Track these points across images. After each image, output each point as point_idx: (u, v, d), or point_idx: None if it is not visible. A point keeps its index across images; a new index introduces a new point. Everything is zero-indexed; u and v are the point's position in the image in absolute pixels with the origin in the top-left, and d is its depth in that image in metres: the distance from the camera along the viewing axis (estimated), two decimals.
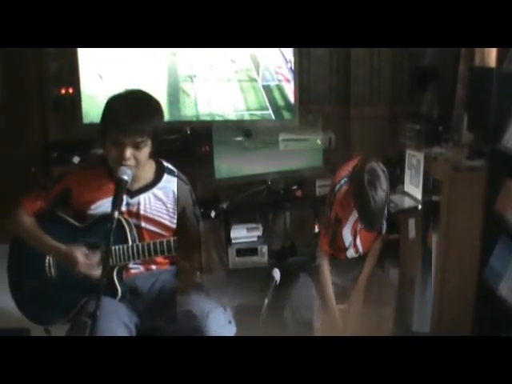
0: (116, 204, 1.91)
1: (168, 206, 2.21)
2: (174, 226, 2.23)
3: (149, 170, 2.20)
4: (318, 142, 3.72)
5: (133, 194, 2.17)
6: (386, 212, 2.63)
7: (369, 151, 3.65)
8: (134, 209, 2.18)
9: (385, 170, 2.53)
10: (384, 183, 2.45)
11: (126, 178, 1.99)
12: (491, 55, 2.93)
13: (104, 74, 3.58)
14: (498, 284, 2.54)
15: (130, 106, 2.04)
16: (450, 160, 2.92)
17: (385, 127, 3.97)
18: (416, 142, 3.40)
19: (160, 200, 2.20)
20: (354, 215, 2.62)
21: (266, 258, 3.70)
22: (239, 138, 3.69)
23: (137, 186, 2.17)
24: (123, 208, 2.14)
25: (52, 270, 2.20)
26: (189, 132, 3.71)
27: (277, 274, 2.04)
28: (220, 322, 2.08)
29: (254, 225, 3.80)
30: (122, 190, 1.98)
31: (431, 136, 3.36)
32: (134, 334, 2.12)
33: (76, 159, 3.61)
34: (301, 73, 3.84)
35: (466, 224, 2.81)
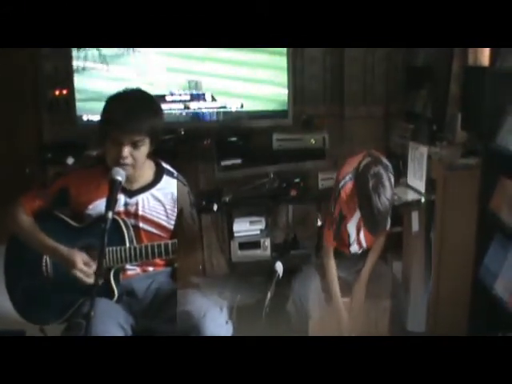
0: (110, 205, 1.90)
1: (166, 207, 2.21)
2: (172, 227, 2.24)
3: (148, 171, 2.20)
4: (312, 141, 3.71)
5: (132, 194, 2.17)
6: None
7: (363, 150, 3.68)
8: (133, 209, 2.18)
9: (391, 176, 2.49)
10: (388, 191, 2.40)
11: (119, 178, 1.98)
12: (484, 54, 2.95)
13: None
14: (493, 282, 2.56)
15: (127, 105, 2.04)
16: (444, 159, 2.93)
17: (379, 126, 3.98)
18: (410, 141, 3.41)
19: (158, 201, 2.20)
20: (359, 213, 2.58)
21: (268, 252, 3.68)
22: (234, 139, 3.70)
23: (136, 186, 2.17)
24: (122, 208, 2.14)
25: (49, 270, 2.20)
26: (183, 133, 3.69)
27: (279, 267, 2.03)
28: (217, 323, 2.08)
29: (256, 218, 3.77)
30: (115, 190, 1.96)
31: (425, 135, 3.37)
32: (129, 335, 2.11)
33: (70, 160, 3.60)
34: (294, 72, 3.83)
35: (461, 222, 2.83)
